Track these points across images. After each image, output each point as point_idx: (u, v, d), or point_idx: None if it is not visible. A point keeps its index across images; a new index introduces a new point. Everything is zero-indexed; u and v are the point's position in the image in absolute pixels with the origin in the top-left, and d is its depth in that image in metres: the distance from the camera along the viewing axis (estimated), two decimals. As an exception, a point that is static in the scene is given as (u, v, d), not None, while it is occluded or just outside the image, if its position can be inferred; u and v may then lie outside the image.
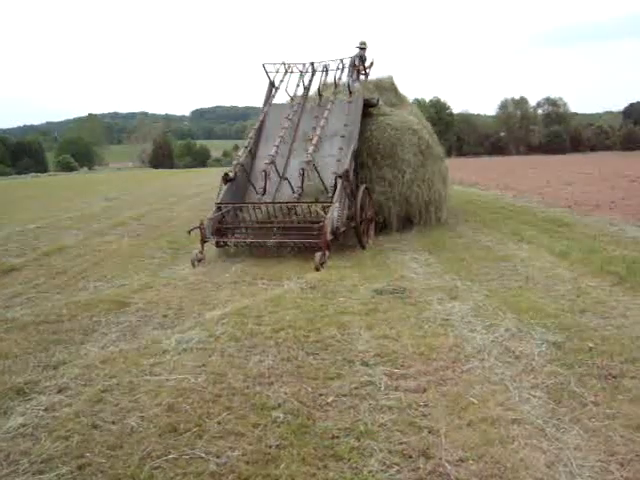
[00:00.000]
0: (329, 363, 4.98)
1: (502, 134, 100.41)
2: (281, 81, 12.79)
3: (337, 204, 9.81)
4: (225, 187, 10.98)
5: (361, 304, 6.73)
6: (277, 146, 11.17)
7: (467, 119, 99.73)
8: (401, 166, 12.33)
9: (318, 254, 8.93)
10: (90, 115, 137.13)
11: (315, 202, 10.31)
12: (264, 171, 10.61)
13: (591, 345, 5.15)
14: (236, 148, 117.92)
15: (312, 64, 12.81)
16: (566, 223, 12.50)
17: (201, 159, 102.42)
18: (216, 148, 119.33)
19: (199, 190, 26.88)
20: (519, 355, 5.03)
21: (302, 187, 10.58)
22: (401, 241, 10.98)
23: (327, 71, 12.85)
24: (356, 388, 4.47)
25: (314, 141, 10.80)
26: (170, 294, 7.48)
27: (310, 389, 4.46)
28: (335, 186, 10.12)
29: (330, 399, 4.30)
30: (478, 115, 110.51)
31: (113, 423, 4.05)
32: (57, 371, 5.04)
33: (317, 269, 8.68)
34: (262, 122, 12.29)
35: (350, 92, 12.05)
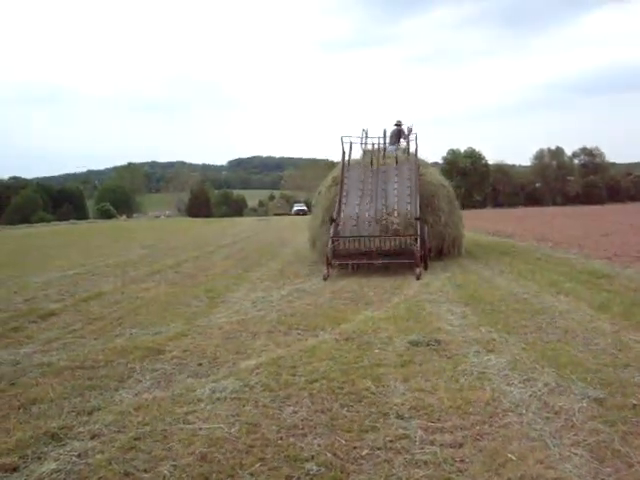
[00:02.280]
0: (363, 415, 4.92)
1: (538, 185, 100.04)
2: (350, 149, 17.07)
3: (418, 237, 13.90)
4: (332, 226, 14.76)
5: (396, 356, 6.65)
6: (360, 197, 15.58)
7: (502, 169, 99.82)
8: (438, 212, 16.27)
9: (418, 269, 13.03)
10: (130, 164, 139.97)
11: (407, 235, 14.22)
12: (357, 215, 15.10)
13: (635, 402, 5.01)
14: (272, 198, 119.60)
15: (366, 133, 17.46)
16: (606, 275, 12.28)
17: (237, 208, 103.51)
18: (252, 197, 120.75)
19: (235, 239, 27.16)
20: (558, 410, 4.91)
21: (388, 224, 14.76)
22: (437, 292, 10.90)
23: (380, 142, 17.32)
24: (391, 441, 4.40)
25: (394, 192, 15.51)
26: (205, 342, 7.48)
27: (344, 442, 4.40)
28: (416, 225, 14.31)
29: (364, 452, 4.24)
30: (513, 165, 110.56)
31: (145, 471, 4.03)
32: (91, 417, 5.05)
33: (418, 278, 12.56)
34: (342, 180, 16.08)
35: (396, 158, 16.55)
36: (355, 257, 14.41)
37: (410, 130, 17.77)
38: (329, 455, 4.17)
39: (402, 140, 18.13)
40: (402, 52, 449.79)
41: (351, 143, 17.09)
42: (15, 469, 4.12)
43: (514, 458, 4.05)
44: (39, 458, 4.29)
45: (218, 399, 5.38)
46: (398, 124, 18.33)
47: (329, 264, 13.60)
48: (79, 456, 4.29)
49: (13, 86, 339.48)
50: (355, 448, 4.30)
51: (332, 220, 14.97)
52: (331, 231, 14.55)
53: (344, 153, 16.93)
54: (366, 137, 17.44)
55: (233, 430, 4.66)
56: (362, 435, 4.52)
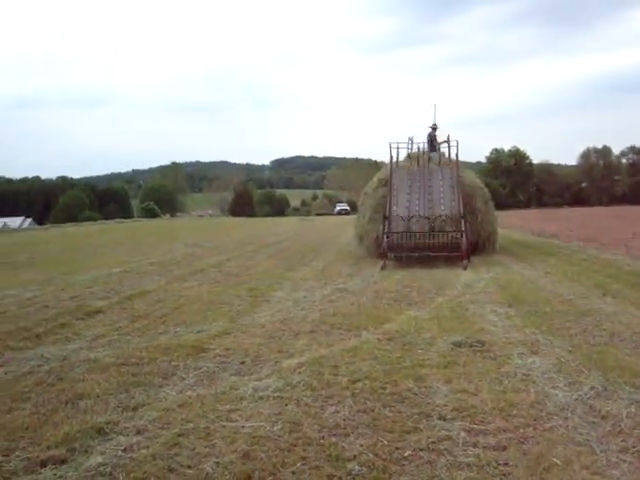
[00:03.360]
0: (406, 416, 4.91)
1: (584, 184, 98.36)
2: (397, 154, 19.21)
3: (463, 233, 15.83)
4: (385, 222, 16.59)
5: (439, 357, 6.62)
6: (408, 197, 17.33)
7: (547, 169, 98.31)
8: (475, 211, 17.93)
9: (465, 261, 14.99)
10: (173, 163, 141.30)
11: (454, 231, 16.10)
12: (406, 213, 16.85)
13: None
14: (314, 197, 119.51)
15: (411, 140, 19.74)
16: (655, 277, 12.03)
17: (280, 208, 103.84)
18: (295, 197, 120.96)
19: (277, 239, 27.26)
20: (605, 415, 4.82)
21: (435, 222, 16.56)
22: (480, 293, 10.80)
23: (423, 147, 19.49)
24: (433, 443, 4.38)
25: (438, 193, 17.30)
26: (248, 341, 7.54)
27: (386, 442, 4.40)
28: (460, 222, 16.23)
29: (407, 453, 4.23)
30: (559, 165, 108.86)
31: (189, 467, 4.09)
32: (136, 413, 5.14)
33: (465, 268, 14.31)
34: (390, 182, 17.82)
35: (439, 162, 18.75)
36: (406, 250, 16.22)
37: (448, 137, 19.48)
38: (371, 455, 4.17)
39: (436, 146, 19.67)
40: (444, 52, 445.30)
41: (398, 148, 19.18)
42: (64, 461, 4.23)
43: (559, 463, 4.00)
44: (86, 451, 4.39)
45: (261, 397, 5.42)
46: (434, 127, 19.80)
47: (385, 256, 15.68)
48: (124, 450, 4.38)
49: (62, 89, 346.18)
50: (397, 449, 4.30)
51: (385, 217, 16.72)
52: (385, 227, 16.43)
53: (392, 157, 18.85)
54: (411, 144, 19.68)
55: (275, 428, 4.69)
56: (404, 436, 4.51)
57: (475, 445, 4.33)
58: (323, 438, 4.50)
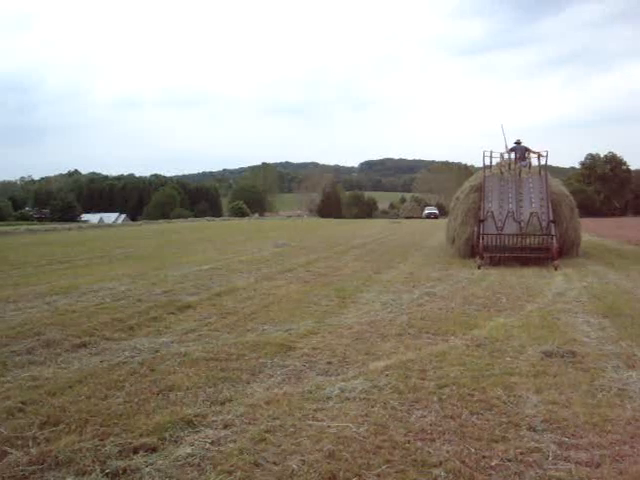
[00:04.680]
0: (494, 424, 4.81)
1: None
2: (490, 161, 20.11)
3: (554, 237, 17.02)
4: (480, 225, 17.69)
5: (529, 365, 6.45)
6: (500, 200, 18.51)
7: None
8: (561, 218, 18.78)
9: (556, 262, 16.04)
10: (264, 164, 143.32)
11: (546, 235, 17.30)
12: (499, 216, 18.00)
13: None
14: (403, 200, 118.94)
15: (505, 148, 20.84)
16: None
17: (368, 210, 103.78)
18: (383, 199, 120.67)
19: (366, 240, 27.25)
20: None
21: (527, 225, 17.70)
22: (572, 302, 10.48)
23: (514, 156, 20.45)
24: (522, 454, 4.27)
25: (529, 199, 18.44)
26: (335, 342, 7.57)
27: (473, 450, 4.33)
28: (550, 227, 17.43)
29: (494, 463, 4.15)
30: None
31: (274, 464, 4.13)
32: (224, 407, 5.24)
33: (556, 269, 15.46)
34: (483, 187, 18.89)
35: (529, 169, 19.99)
36: (499, 251, 17.20)
37: (527, 149, 20.66)
38: (457, 462, 4.11)
39: (526, 155, 20.61)
40: (538, 54, 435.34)
41: (491, 156, 20.24)
42: (154, 449, 4.37)
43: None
44: (176, 441, 4.51)
45: (347, 398, 5.42)
46: (518, 142, 20.76)
47: (481, 256, 16.77)
48: (212, 443, 4.47)
49: (157, 90, 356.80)
50: (484, 457, 4.22)
51: (480, 220, 17.93)
52: (481, 229, 17.57)
53: (485, 165, 19.94)
54: (504, 153, 20.91)
55: (361, 430, 4.69)
56: (492, 445, 4.43)
57: (566, 459, 4.19)
58: (409, 442, 4.46)
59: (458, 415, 5.02)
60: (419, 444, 4.43)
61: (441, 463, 4.11)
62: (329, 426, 4.78)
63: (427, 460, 4.16)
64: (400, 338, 7.80)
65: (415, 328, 8.35)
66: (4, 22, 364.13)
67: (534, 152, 20.56)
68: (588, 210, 53.09)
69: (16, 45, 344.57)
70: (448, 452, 4.28)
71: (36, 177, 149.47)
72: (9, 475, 3.99)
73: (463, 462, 4.12)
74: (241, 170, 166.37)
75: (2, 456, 4.28)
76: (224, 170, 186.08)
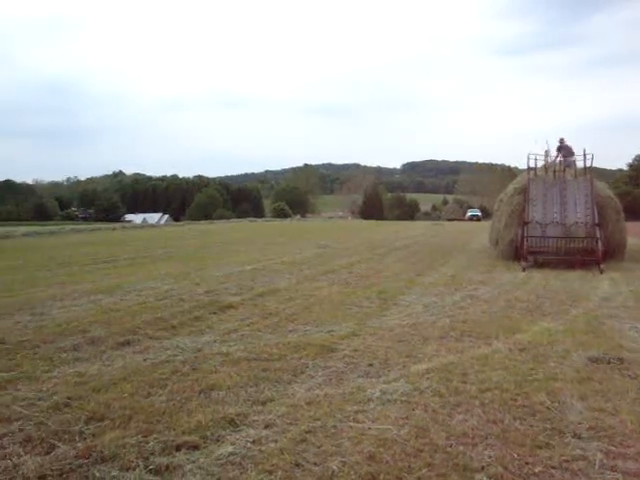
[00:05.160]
0: (537, 430, 4.74)
1: None
2: (535, 164, 20.05)
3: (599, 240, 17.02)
4: (524, 227, 17.79)
5: (574, 371, 6.35)
6: (545, 202, 18.42)
7: None
8: (606, 221, 18.64)
9: (601, 265, 15.98)
10: (306, 165, 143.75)
11: (589, 237, 17.44)
12: (543, 219, 18.08)
13: None
14: (445, 202, 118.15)
15: (547, 151, 20.97)
16: None
17: (410, 211, 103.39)
18: (425, 201, 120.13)
19: (407, 242, 27.11)
20: None
21: (571, 228, 17.70)
22: (619, 307, 10.28)
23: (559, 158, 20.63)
24: (566, 461, 4.20)
25: (573, 201, 18.35)
26: (376, 344, 7.54)
27: (516, 455, 4.27)
28: (595, 230, 17.41)
29: (537, 469, 4.08)
30: None
31: (315, 464, 4.14)
32: (265, 407, 5.26)
33: (601, 272, 15.35)
34: (528, 190, 18.82)
35: (575, 173, 19.84)
36: (543, 254, 17.56)
37: (570, 149, 20.83)
38: (500, 468, 4.06)
39: (570, 158, 20.71)
40: (582, 53, 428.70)
41: (536, 159, 20.24)
42: (196, 447, 4.41)
43: None
44: (217, 440, 4.55)
45: (388, 400, 5.41)
46: (561, 141, 21.01)
47: (525, 258, 16.92)
48: (253, 442, 4.49)
49: (201, 92, 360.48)
50: (527, 464, 4.16)
51: (525, 223, 18.02)
52: (525, 232, 17.68)
53: (529, 167, 19.88)
54: (547, 155, 20.97)
55: (402, 432, 4.66)
56: (535, 451, 4.36)
57: (614, 469, 4.10)
58: (450, 446, 4.43)
59: (501, 420, 4.96)
60: (461, 448, 4.39)
61: (483, 468, 4.07)
62: (370, 428, 4.76)
63: (469, 465, 4.12)
64: (442, 341, 7.74)
65: (457, 331, 8.29)
66: (52, 26, 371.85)
67: (574, 155, 20.64)
68: (635, 213, 51.89)
69: (63, 49, 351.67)
70: (490, 457, 4.23)
71: (82, 178, 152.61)
72: (57, 467, 4.07)
73: (506, 468, 4.07)
74: (283, 171, 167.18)
75: (51, 449, 4.37)
76: (266, 171, 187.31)
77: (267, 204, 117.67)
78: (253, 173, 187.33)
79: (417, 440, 4.52)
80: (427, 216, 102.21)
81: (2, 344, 7.33)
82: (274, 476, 3.96)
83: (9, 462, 4.14)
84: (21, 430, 4.72)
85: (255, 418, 4.98)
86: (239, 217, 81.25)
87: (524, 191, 19.28)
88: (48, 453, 4.31)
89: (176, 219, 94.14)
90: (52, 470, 4.03)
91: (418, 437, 4.58)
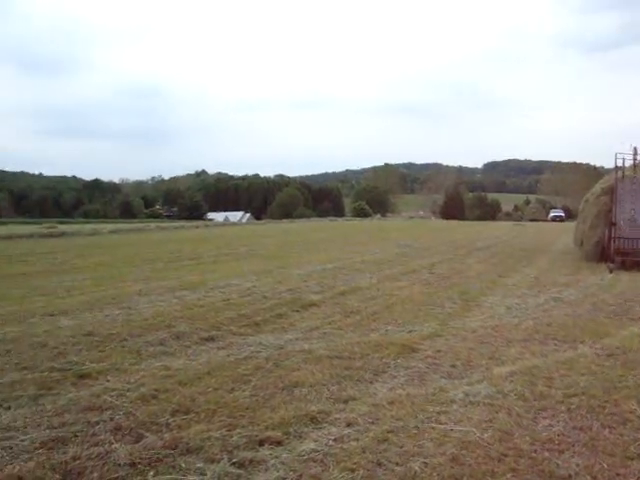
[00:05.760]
0: (628, 440, 4.58)
1: None
2: (623, 164, 18.84)
3: None
4: (613, 228, 17.41)
5: (667, 379, 6.11)
6: (633, 203, 17.56)
7: None
8: None
9: None
10: (386, 164, 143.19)
11: None
12: (632, 220, 17.31)
13: None
14: (527, 202, 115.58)
15: (635, 149, 19.58)
16: None
17: (491, 212, 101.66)
18: (507, 201, 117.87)
19: (489, 243, 26.69)
20: None
21: None
22: None
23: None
24: (662, 475, 4.04)
25: None
26: (459, 345, 7.48)
27: (606, 465, 4.14)
28: None
29: (628, 481, 3.95)
30: None
31: (397, 464, 4.13)
32: (347, 405, 5.29)
33: None
34: (615, 190, 18.00)
35: None
36: (632, 256, 17.04)
37: None
38: (589, 478, 3.96)
39: None
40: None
41: (624, 159, 19.30)
42: (279, 443, 4.48)
43: None
44: (300, 437, 4.61)
45: (471, 403, 5.35)
46: None
47: (612, 260, 16.58)
48: (335, 440, 4.52)
49: (282, 92, 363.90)
50: (618, 475, 4.03)
51: (612, 224, 17.64)
52: (613, 233, 17.43)
53: (617, 166, 18.77)
54: (636, 154, 19.57)
55: (485, 436, 4.60)
56: (627, 462, 4.21)
57: None
58: (535, 452, 4.34)
59: (588, 427, 4.82)
60: (546, 454, 4.30)
61: (570, 476, 3.97)
62: (452, 430, 4.72)
63: (555, 472, 4.03)
64: (525, 344, 7.60)
65: (541, 334, 8.12)
66: (138, 31, 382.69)
67: None
68: None
69: (147, 51, 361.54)
70: (578, 465, 4.12)
71: (166, 177, 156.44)
72: (146, 456, 4.21)
73: (594, 478, 3.97)
74: (363, 171, 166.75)
75: (139, 438, 4.53)
76: (346, 171, 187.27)
77: (347, 203, 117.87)
78: (333, 172, 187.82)
79: (501, 444, 4.46)
80: (509, 216, 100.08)
81: (92, 336, 7.60)
82: (356, 474, 3.98)
83: (101, 449, 4.32)
84: (111, 419, 4.91)
85: (337, 416, 5.01)
86: (319, 216, 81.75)
87: (611, 191, 18.74)
88: (137, 442, 4.46)
89: (257, 217, 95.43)
90: (141, 458, 4.18)
91: (502, 441, 4.51)
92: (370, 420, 4.93)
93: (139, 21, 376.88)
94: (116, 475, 3.97)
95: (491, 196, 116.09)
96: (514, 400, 5.42)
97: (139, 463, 4.12)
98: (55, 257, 19.06)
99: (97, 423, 4.80)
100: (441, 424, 4.84)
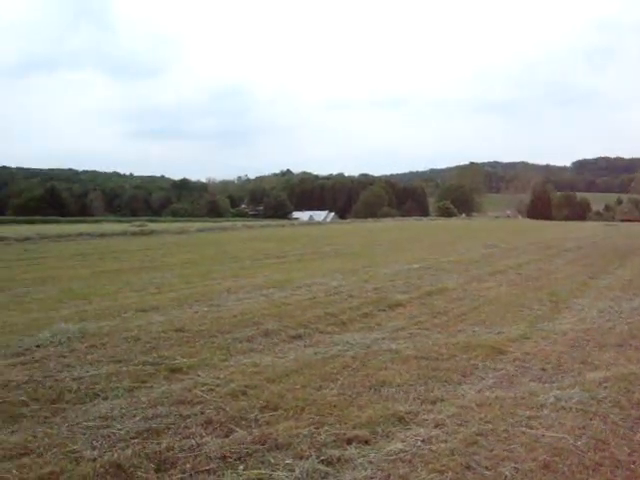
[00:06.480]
0: None
1: None
2: None
3: None
4: None
5: None
6: None
7: None
8: None
9: None
10: (472, 163, 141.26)
11: None
12: None
13: None
14: (619, 202, 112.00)
15: None
16: None
17: (580, 212, 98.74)
18: (597, 201, 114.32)
19: (579, 244, 25.97)
20: None
21: None
22: None
23: None
24: None
25: None
26: (548, 348, 7.30)
27: None
28: None
29: None
30: None
31: (487, 468, 4.07)
32: (435, 406, 5.25)
33: None
34: None
35: None
36: None
37: None
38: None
39: None
40: None
41: None
42: (367, 442, 4.49)
43: None
44: (387, 436, 4.60)
45: (563, 408, 5.21)
46: None
47: None
48: (423, 441, 4.50)
49: (365, 91, 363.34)
50: None
51: None
52: None
53: None
54: None
55: (579, 443, 4.48)
56: None
57: None
58: (634, 462, 4.19)
59: (692, 439, 4.62)
60: (645, 465, 4.15)
61: (671, 490, 3.82)
62: (544, 435, 4.62)
63: (655, 484, 3.89)
64: (620, 349, 7.35)
65: (637, 339, 7.82)
66: (225, 34, 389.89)
67: None
68: None
69: (233, 53, 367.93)
70: (680, 478, 3.96)
71: (251, 176, 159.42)
72: (236, 450, 4.30)
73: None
74: (448, 169, 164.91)
75: (229, 433, 4.62)
76: (431, 170, 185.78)
77: (431, 202, 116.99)
78: (418, 171, 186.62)
79: (596, 453, 4.33)
80: (599, 216, 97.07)
81: (182, 332, 7.79)
82: (444, 477, 3.95)
83: (193, 441, 4.44)
84: (202, 413, 5.02)
85: (425, 417, 4.98)
86: (404, 215, 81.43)
87: None
88: (227, 436, 4.55)
89: (342, 217, 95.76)
90: (231, 452, 4.26)
91: (597, 449, 4.39)
92: (458, 422, 4.88)
93: (224, 23, 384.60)
94: (208, 467, 4.07)
95: (580, 195, 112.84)
96: (609, 407, 5.25)
97: (229, 457, 4.21)
98: (145, 254, 19.67)
99: (188, 416, 4.93)
100: (532, 429, 4.74)
